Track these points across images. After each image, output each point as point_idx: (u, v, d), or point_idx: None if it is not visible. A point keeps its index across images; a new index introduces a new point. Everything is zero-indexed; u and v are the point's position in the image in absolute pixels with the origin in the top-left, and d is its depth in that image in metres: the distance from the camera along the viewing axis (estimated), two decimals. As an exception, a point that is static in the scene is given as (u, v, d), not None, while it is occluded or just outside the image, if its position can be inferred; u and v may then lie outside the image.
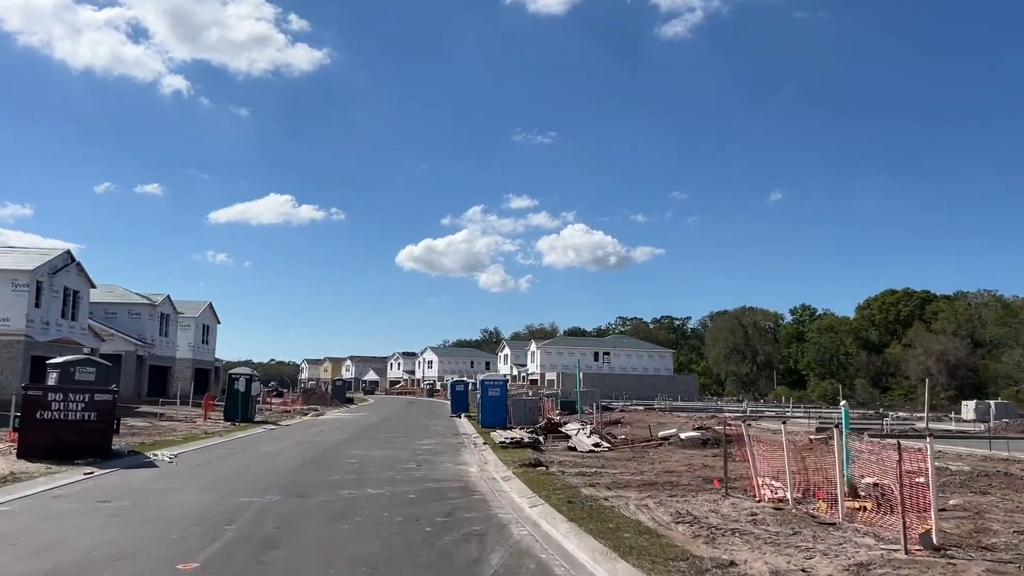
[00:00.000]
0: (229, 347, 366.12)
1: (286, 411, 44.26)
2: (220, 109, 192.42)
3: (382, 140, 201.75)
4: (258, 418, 35.55)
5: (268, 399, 51.15)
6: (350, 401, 65.78)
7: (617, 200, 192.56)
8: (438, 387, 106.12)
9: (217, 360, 63.99)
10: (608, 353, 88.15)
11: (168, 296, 51.29)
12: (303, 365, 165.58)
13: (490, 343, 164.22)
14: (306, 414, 42.46)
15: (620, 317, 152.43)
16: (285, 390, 76.12)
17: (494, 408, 31.91)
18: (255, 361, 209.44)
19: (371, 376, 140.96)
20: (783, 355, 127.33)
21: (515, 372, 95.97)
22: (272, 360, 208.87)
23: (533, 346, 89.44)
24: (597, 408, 37.38)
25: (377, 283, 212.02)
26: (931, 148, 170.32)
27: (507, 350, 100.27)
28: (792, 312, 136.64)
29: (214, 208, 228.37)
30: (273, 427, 31.33)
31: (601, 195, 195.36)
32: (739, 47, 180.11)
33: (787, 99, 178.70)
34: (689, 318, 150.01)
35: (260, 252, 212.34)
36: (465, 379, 51.71)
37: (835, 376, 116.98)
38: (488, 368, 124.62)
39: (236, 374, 33.74)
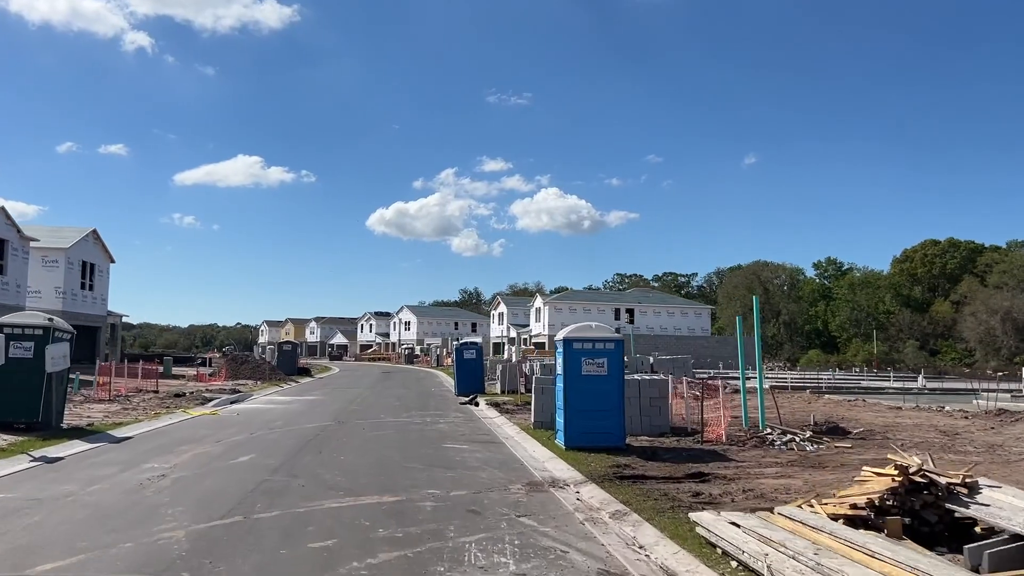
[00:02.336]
0: (194, 311, 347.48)
1: (178, 396, 25.52)
2: (186, 67, 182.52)
3: (353, 100, 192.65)
4: (76, 418, 16.94)
5: (155, 372, 32.34)
6: (304, 372, 47.05)
7: (592, 163, 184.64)
8: (418, 352, 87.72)
9: (113, 315, 44.72)
10: (632, 310, 70.25)
11: (2, 209, 31.85)
12: (262, 328, 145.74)
13: (470, 304, 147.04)
14: (207, 401, 23.79)
15: (618, 274, 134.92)
16: (248, 354, 57.01)
17: (597, 405, 13.37)
18: (219, 325, 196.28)
19: (339, 340, 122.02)
20: (809, 315, 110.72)
21: (512, 334, 77.79)
22: (238, 324, 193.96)
23: (539, 301, 71.16)
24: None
25: (348, 247, 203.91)
26: (935, 105, 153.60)
27: (503, 307, 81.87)
28: (815, 267, 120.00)
29: (180, 169, 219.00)
30: (82, 450, 12.71)
31: (576, 158, 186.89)
32: (716, 8, 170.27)
33: (764, 61, 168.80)
34: (695, 274, 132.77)
35: (229, 215, 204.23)
36: (475, 340, 32.98)
37: (870, 338, 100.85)
38: (474, 330, 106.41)
39: (5, 324, 14.96)
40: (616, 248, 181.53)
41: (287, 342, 47.10)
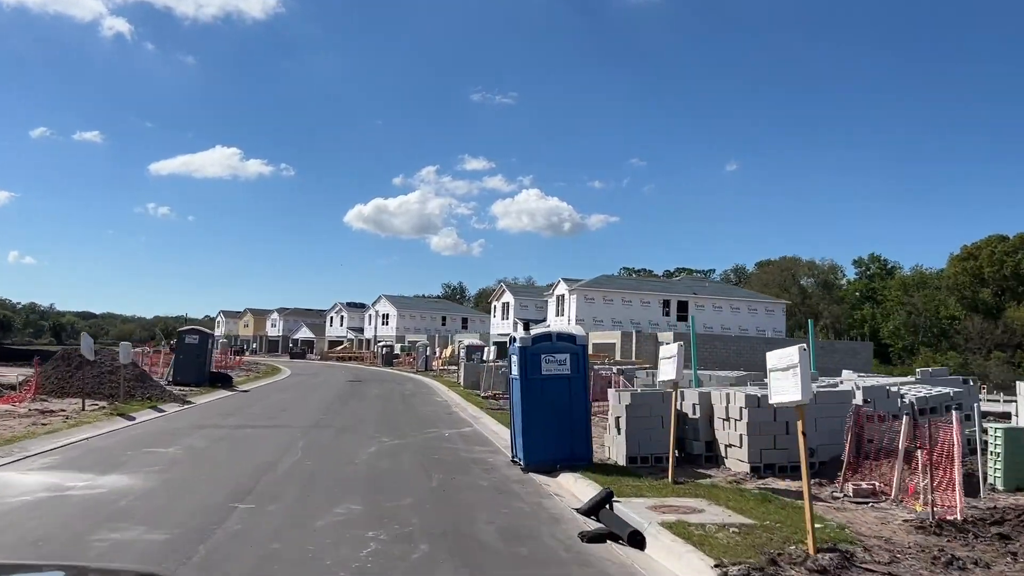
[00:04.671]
0: (166, 303, 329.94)
1: None
2: (165, 55, 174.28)
3: (336, 94, 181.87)
4: None
5: None
6: (220, 380, 28.62)
7: (575, 165, 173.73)
8: (398, 351, 69.30)
9: None
10: (685, 303, 52.62)
11: None
12: (219, 319, 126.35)
13: (453, 300, 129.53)
14: None
15: (625, 268, 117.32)
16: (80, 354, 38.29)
17: None
18: (188, 316, 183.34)
19: (304, 334, 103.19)
20: (853, 319, 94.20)
21: (521, 331, 59.66)
22: (206, 316, 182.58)
23: (562, 288, 53.15)
24: None
25: (325, 243, 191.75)
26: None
27: (509, 297, 63.72)
28: (856, 264, 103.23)
29: (156, 159, 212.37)
30: None
31: (559, 159, 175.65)
32: (704, 11, 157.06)
33: (750, 67, 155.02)
34: (712, 270, 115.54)
35: (204, 207, 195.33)
36: (569, 333, 13.36)
37: (932, 347, 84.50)
38: (465, 326, 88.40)
39: None
40: (598, 250, 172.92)
41: (192, 331, 28.65)
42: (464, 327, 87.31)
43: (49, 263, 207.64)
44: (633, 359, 40.51)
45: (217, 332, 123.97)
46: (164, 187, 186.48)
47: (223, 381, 28.75)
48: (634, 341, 42.30)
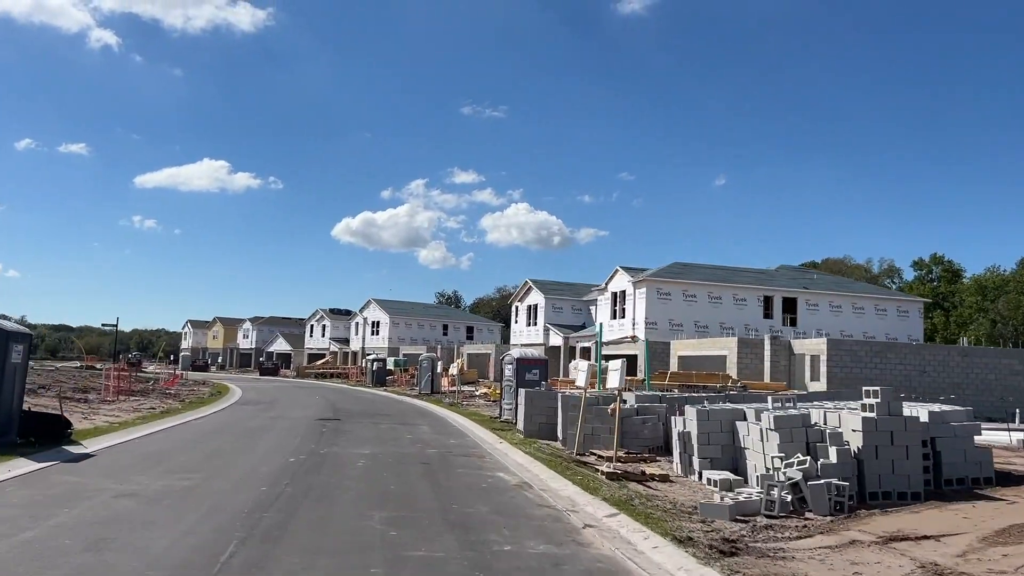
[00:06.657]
0: (149, 315, 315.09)
1: None
2: (153, 67, 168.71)
3: (325, 107, 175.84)
4: None
5: None
6: (39, 432, 13.62)
7: (564, 179, 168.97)
8: (391, 366, 54.03)
9: None
10: (793, 300, 37.98)
11: None
12: (185, 329, 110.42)
13: (450, 307, 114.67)
14: None
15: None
16: None
17: None
18: (169, 330, 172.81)
19: (280, 346, 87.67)
20: (924, 328, 79.94)
21: (556, 340, 44.99)
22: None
23: (622, 281, 38.23)
24: None
25: (313, 256, 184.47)
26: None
27: (537, 297, 48.51)
28: (916, 266, 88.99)
29: (142, 172, 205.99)
30: None
31: (549, 173, 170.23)
32: (694, 27, 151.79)
33: (740, 81, 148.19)
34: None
35: (191, 220, 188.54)
36: None
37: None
38: (471, 336, 73.46)
39: None
40: (588, 264, 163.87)
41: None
42: (469, 337, 72.40)
43: (33, 276, 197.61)
44: (767, 379, 25.66)
45: (183, 345, 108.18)
46: (150, 200, 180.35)
47: (43, 433, 13.62)
48: (768, 352, 27.47)
